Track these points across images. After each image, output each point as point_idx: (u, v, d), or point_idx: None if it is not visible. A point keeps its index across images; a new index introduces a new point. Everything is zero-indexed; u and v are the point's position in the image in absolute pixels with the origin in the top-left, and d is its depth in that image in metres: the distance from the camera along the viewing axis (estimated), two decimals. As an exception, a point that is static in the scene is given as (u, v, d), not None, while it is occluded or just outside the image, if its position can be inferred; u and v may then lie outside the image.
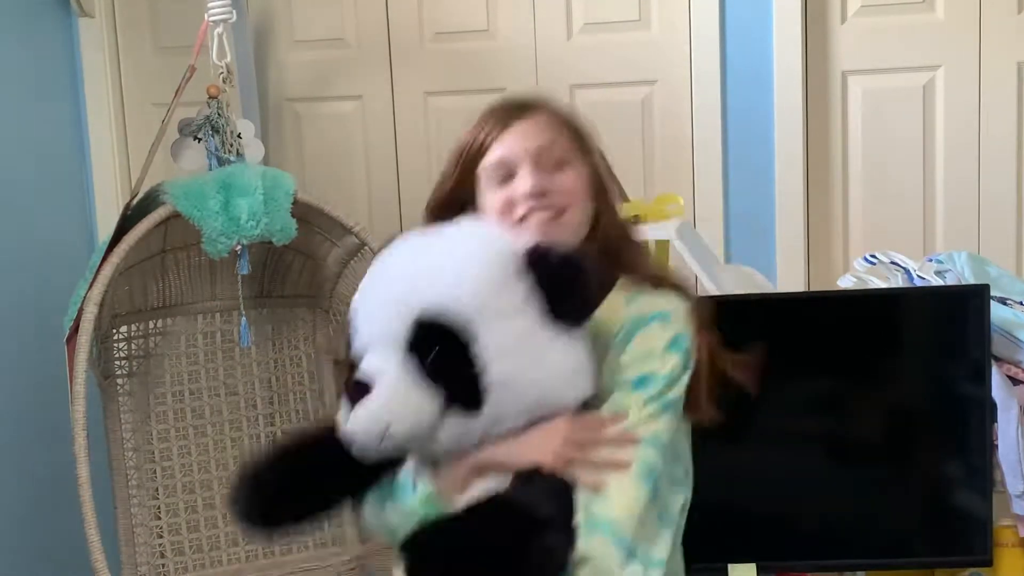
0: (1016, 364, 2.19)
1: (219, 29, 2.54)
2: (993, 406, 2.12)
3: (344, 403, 1.34)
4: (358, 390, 1.32)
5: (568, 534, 1.36)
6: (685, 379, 1.49)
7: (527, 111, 1.53)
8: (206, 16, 2.54)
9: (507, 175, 1.50)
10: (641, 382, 1.47)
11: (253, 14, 2.99)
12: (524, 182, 1.48)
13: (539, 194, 1.47)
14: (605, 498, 1.40)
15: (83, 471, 2.27)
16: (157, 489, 2.68)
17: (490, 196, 1.51)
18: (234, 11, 2.55)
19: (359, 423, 1.32)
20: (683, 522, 1.58)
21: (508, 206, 1.49)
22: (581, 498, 1.40)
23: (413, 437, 1.34)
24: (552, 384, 1.37)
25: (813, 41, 2.77)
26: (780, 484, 2.15)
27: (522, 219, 1.48)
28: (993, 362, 2.14)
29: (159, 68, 3.06)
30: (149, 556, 2.63)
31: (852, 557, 2.19)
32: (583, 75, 2.90)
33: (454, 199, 1.55)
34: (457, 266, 1.35)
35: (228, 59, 2.56)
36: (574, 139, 1.54)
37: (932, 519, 2.17)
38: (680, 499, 1.56)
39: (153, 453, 2.68)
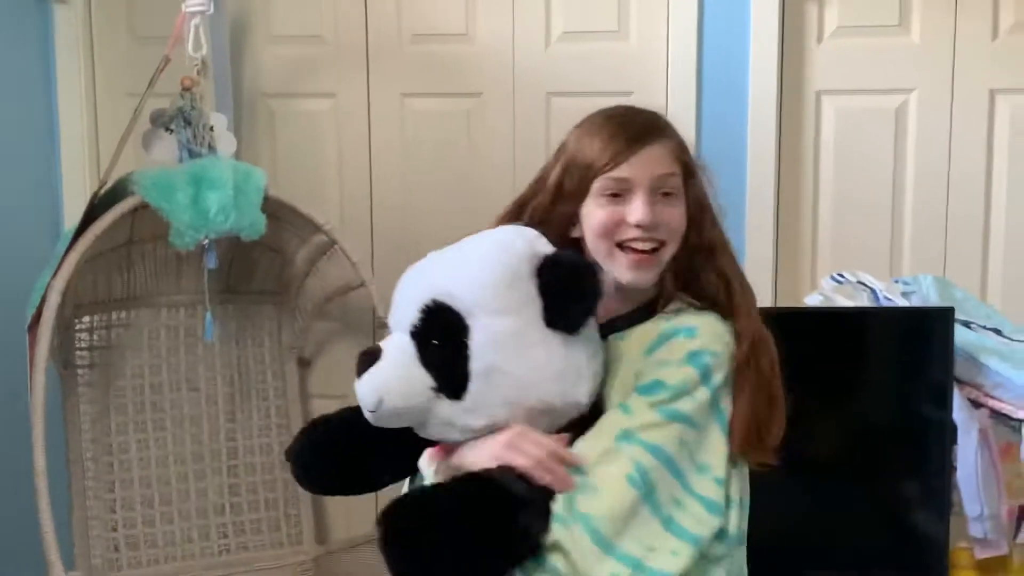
0: (977, 387, 2.20)
1: (196, 20, 2.53)
2: (954, 428, 2.14)
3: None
4: (363, 361, 1.45)
5: (544, 517, 1.39)
6: (702, 397, 1.47)
7: (654, 137, 1.55)
8: (183, 7, 2.52)
9: (621, 194, 1.53)
10: (649, 388, 1.47)
11: (230, 7, 2.97)
12: (638, 210, 1.51)
13: (649, 226, 1.51)
14: (591, 493, 1.41)
15: (39, 461, 2.24)
16: (114, 482, 2.66)
17: (598, 210, 1.54)
18: (211, 3, 2.54)
19: (359, 390, 1.45)
20: (733, 553, 1.55)
21: (615, 225, 1.53)
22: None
23: (405, 412, 1.44)
24: (532, 381, 1.43)
25: (789, 59, 2.78)
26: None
27: (622, 244, 1.53)
28: (955, 384, 2.15)
29: (133, 58, 3.04)
30: (103, 549, 2.60)
31: (810, 574, 2.20)
32: (560, 83, 2.90)
33: (559, 206, 1.57)
34: (469, 264, 1.46)
35: (204, 51, 2.55)
36: (685, 171, 1.57)
37: (890, 539, 2.18)
38: (710, 523, 1.49)
39: (111, 446, 2.65)
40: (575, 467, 1.44)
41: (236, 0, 3.01)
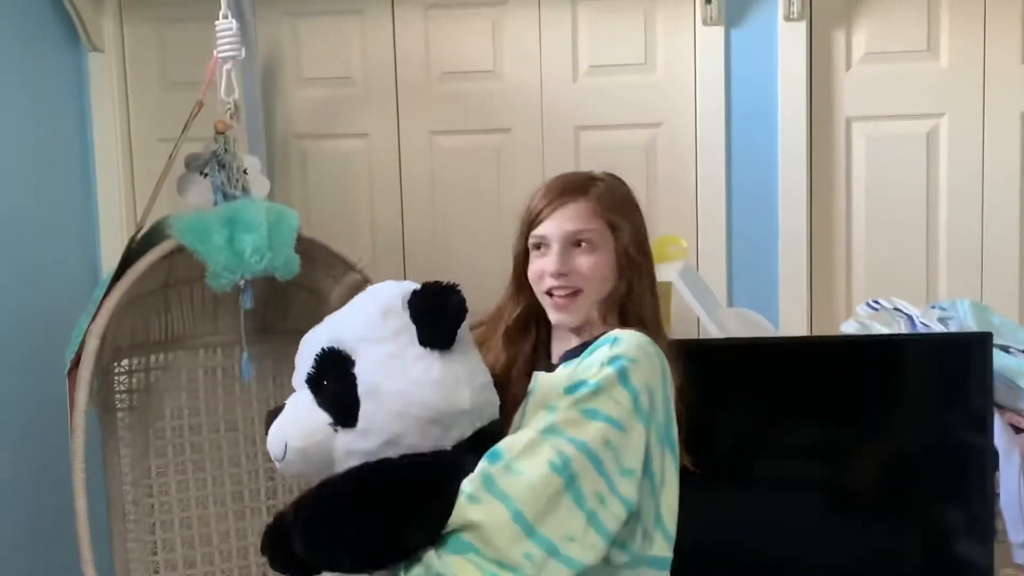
0: (1018, 412, 2.18)
1: (228, 65, 2.55)
2: (995, 454, 2.12)
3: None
4: (269, 417, 1.65)
5: (440, 492, 1.55)
6: (622, 399, 1.58)
7: (575, 195, 1.74)
8: (215, 52, 2.55)
9: (542, 248, 1.74)
10: (573, 387, 1.60)
11: (262, 50, 3.01)
12: (551, 262, 1.72)
13: (559, 275, 1.71)
14: (511, 474, 1.53)
15: (80, 504, 2.25)
16: (154, 524, 2.66)
17: (531, 262, 1.76)
18: (243, 47, 2.56)
19: (268, 440, 1.64)
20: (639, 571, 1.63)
21: (539, 276, 1.74)
22: (487, 470, 1.54)
23: (310, 454, 1.60)
24: (413, 392, 1.58)
25: (818, 86, 2.78)
26: (779, 530, 2.14)
27: (546, 291, 1.73)
28: (995, 410, 2.13)
29: (167, 103, 3.08)
30: (145, 591, 2.61)
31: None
32: (588, 117, 2.91)
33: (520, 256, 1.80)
34: (350, 310, 1.68)
35: (236, 95, 2.57)
36: (609, 225, 1.74)
37: (934, 567, 2.15)
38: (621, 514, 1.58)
39: (151, 488, 2.66)
40: (496, 454, 1.55)
41: (267, 43, 3.05)
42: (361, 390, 1.58)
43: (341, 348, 1.62)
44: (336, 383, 1.60)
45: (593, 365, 1.61)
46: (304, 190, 3.10)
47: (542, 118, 2.94)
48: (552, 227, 1.73)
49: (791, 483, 2.16)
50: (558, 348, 1.78)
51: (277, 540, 1.60)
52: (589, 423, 1.56)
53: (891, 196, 2.79)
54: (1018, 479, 2.11)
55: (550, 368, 1.75)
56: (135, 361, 2.67)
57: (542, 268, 1.73)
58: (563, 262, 1.71)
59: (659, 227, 2.87)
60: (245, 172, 2.56)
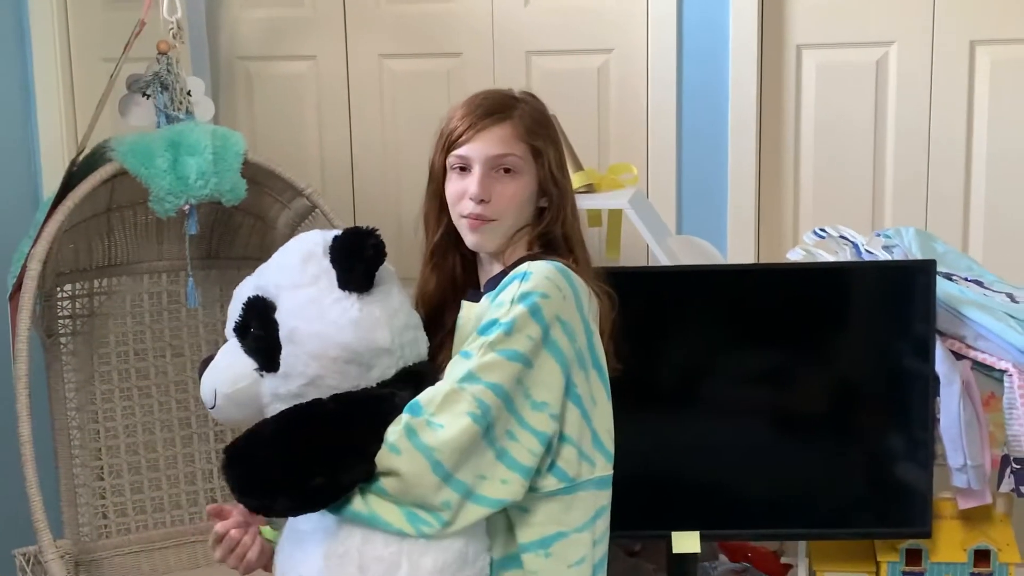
0: (959, 339, 2.22)
1: (170, -17, 2.50)
2: (936, 380, 2.15)
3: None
4: (201, 367, 1.72)
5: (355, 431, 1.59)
6: (534, 334, 1.59)
7: (499, 117, 1.71)
8: (157, -30, 2.50)
9: (465, 169, 1.71)
10: (485, 328, 1.61)
11: (206, -31, 2.95)
12: (472, 184, 1.69)
13: (480, 200, 1.68)
14: (432, 428, 1.55)
15: (25, 429, 2.24)
16: (100, 450, 2.65)
17: (451, 183, 1.73)
18: (186, -34, 2.51)
19: (201, 389, 1.70)
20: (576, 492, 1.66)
21: (459, 198, 1.71)
22: (409, 422, 1.56)
23: (239, 399, 1.66)
24: (330, 333, 1.60)
25: (768, 14, 2.77)
26: (724, 454, 2.17)
27: (463, 214, 1.71)
28: (937, 336, 2.16)
29: (108, 22, 3.01)
30: (91, 517, 2.60)
31: (794, 526, 2.22)
32: (539, 42, 2.89)
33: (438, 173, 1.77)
34: (274, 260, 1.71)
35: (179, 14, 2.52)
36: (532, 150, 1.72)
37: (873, 490, 2.20)
38: (534, 447, 1.61)
39: (96, 413, 2.65)
40: (417, 407, 1.57)
41: (211, -38, 2.98)
42: (282, 334, 1.62)
43: (264, 296, 1.66)
44: (259, 329, 1.64)
45: (504, 303, 1.61)
46: (250, 113, 3.06)
47: (493, 42, 2.91)
48: (475, 150, 1.70)
49: (737, 408, 2.18)
50: (483, 274, 1.77)
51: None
52: (503, 364, 1.58)
53: (839, 124, 2.79)
54: (958, 404, 2.14)
55: (477, 296, 1.74)
56: (78, 286, 2.64)
57: (463, 189, 1.71)
58: (484, 187, 1.69)
59: (610, 154, 2.87)
60: (189, 94, 2.52)
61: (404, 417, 1.57)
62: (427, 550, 1.58)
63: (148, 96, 2.49)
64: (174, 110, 2.48)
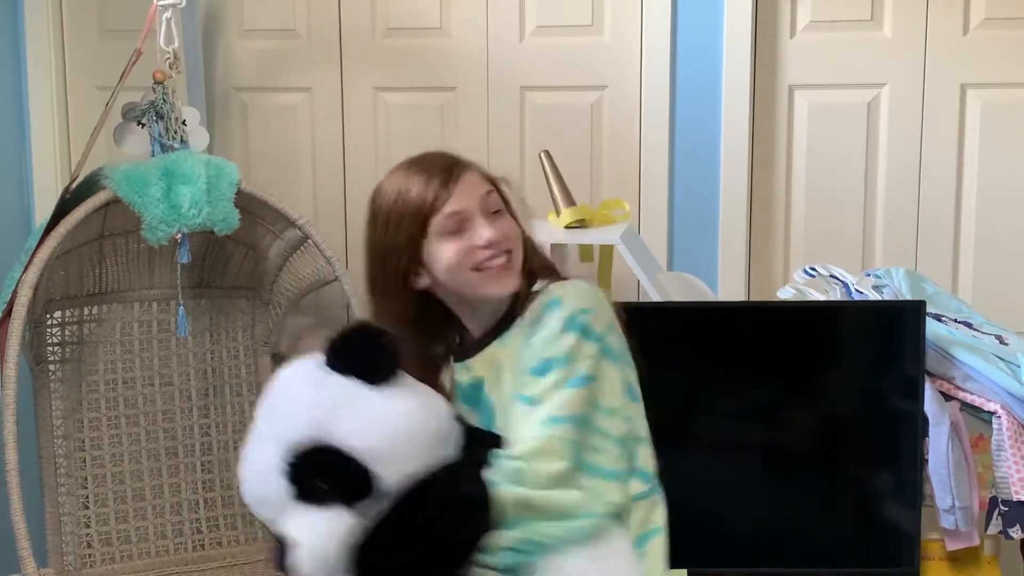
0: (949, 380, 2.22)
1: (167, 14, 2.51)
2: (925, 421, 2.16)
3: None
4: (279, 556, 1.46)
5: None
6: (591, 351, 1.57)
7: (459, 168, 1.66)
8: (155, 0, 2.51)
9: (460, 226, 1.63)
10: (543, 369, 1.57)
11: (202, 0, 2.96)
12: (484, 231, 1.62)
13: (497, 242, 1.62)
14: (534, 473, 1.51)
15: (11, 457, 2.23)
16: (86, 478, 2.64)
17: (446, 247, 1.63)
18: (184, -4, 2.53)
19: (307, 570, 1.43)
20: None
21: (467, 252, 1.62)
22: (509, 467, 1.51)
23: (349, 548, 1.43)
24: (406, 426, 1.49)
25: (762, 53, 2.79)
26: (713, 491, 2.17)
27: (479, 266, 1.63)
28: (927, 377, 2.17)
29: (104, 51, 3.02)
30: (76, 546, 2.59)
31: (783, 565, 2.21)
32: (534, 77, 2.90)
33: (391, 262, 1.67)
34: (280, 410, 1.54)
35: (175, 44, 2.53)
36: (496, 188, 1.68)
37: (862, 530, 2.20)
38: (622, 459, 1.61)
39: (83, 441, 2.64)
40: (507, 457, 1.52)
41: (208, -7, 2.99)
42: (361, 459, 1.47)
43: (314, 443, 1.48)
44: (336, 475, 1.46)
45: (553, 338, 1.57)
46: (244, 144, 3.06)
47: (488, 77, 2.92)
48: (463, 201, 1.63)
49: (726, 446, 2.18)
50: (475, 322, 1.70)
51: None
52: (575, 394, 1.55)
53: (831, 164, 2.81)
54: (947, 445, 2.15)
55: (480, 345, 1.69)
56: (68, 313, 2.64)
57: (467, 245, 1.62)
58: (496, 228, 1.63)
59: (603, 190, 2.88)
60: (184, 123, 2.53)
61: (497, 467, 1.52)
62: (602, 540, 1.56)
63: (143, 125, 2.50)
64: (169, 139, 2.49)
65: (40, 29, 3.02)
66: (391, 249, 1.67)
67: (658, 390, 2.17)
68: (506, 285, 1.65)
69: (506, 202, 1.69)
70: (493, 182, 1.68)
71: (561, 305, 1.59)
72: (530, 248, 1.70)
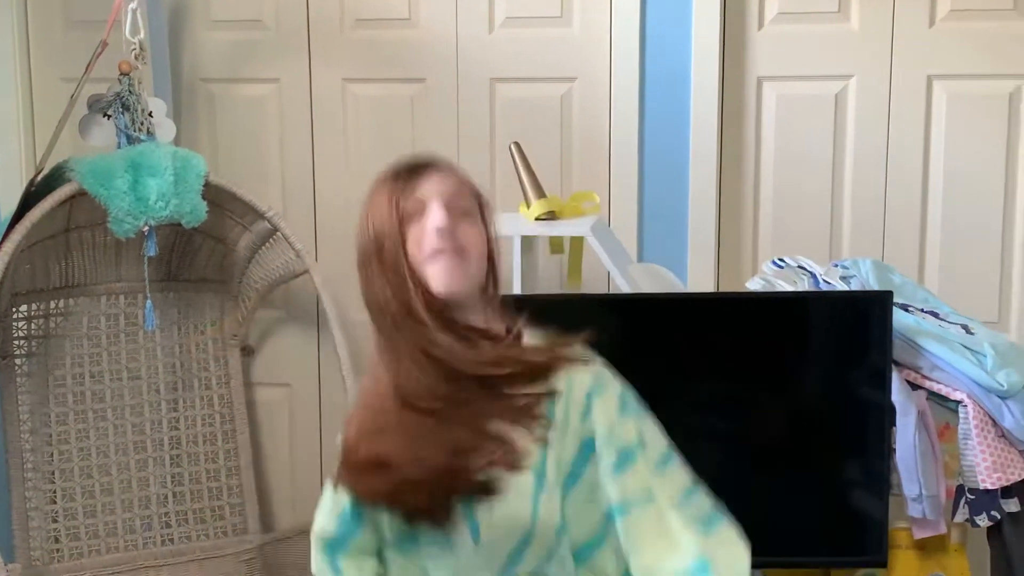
0: (916, 370, 2.24)
1: (133, 4, 2.50)
2: (892, 410, 2.17)
3: None
4: None
5: None
6: (649, 418, 1.64)
7: (432, 166, 1.56)
8: (120, -10, 2.49)
9: (421, 211, 1.52)
10: (626, 459, 1.59)
11: (169, -9, 2.94)
12: (434, 217, 1.50)
13: (446, 230, 1.50)
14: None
15: (-24, 452, 2.21)
16: (54, 472, 2.62)
17: (411, 238, 1.52)
18: (149, -13, 2.51)
19: None
20: None
21: (422, 241, 1.51)
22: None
23: None
24: None
25: (730, 45, 2.80)
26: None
27: (430, 255, 1.51)
28: (894, 367, 2.18)
29: (70, 42, 2.99)
30: (43, 540, 2.57)
31: (751, 554, 2.22)
32: (503, 69, 2.90)
33: (393, 277, 1.54)
34: None
35: (141, 35, 2.51)
36: (475, 198, 1.57)
37: (830, 519, 2.21)
38: None
39: (51, 436, 2.62)
40: None
41: (175, -16, 2.97)
42: None
43: None
44: None
45: (614, 428, 1.60)
46: (212, 135, 3.04)
47: (457, 69, 2.91)
48: (428, 187, 1.53)
49: (694, 436, 2.17)
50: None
51: None
52: (667, 469, 1.67)
53: (799, 156, 2.82)
54: (914, 435, 2.16)
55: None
56: (34, 307, 2.62)
57: (422, 231, 1.51)
58: (449, 218, 1.50)
59: (572, 182, 2.88)
60: (150, 115, 2.52)
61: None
62: None
63: (109, 116, 2.48)
64: (135, 131, 2.47)
65: (4, 20, 2.99)
66: (379, 247, 1.54)
67: (628, 381, 2.18)
68: (447, 284, 1.50)
69: (485, 219, 1.57)
70: (476, 194, 1.58)
71: (600, 392, 1.61)
72: (494, 275, 1.58)
